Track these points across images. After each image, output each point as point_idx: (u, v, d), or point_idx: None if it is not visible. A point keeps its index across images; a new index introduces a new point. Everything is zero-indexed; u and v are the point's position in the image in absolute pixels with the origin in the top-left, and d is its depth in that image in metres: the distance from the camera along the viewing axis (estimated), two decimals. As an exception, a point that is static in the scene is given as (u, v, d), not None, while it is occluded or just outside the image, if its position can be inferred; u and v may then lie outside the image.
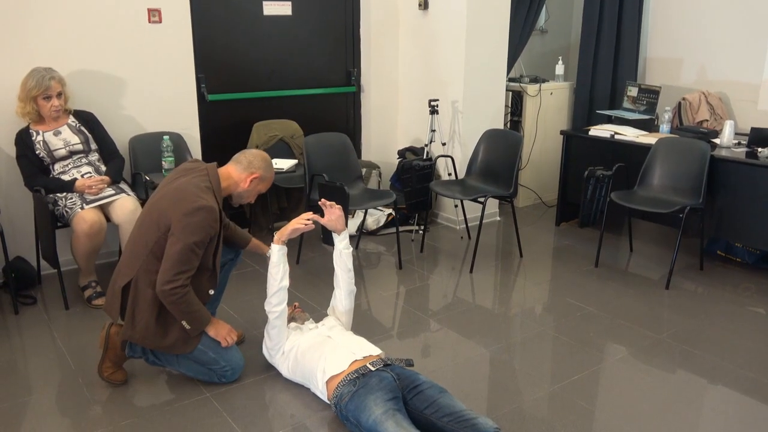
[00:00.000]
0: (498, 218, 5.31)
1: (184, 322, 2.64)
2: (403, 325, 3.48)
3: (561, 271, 4.23)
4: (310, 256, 4.41)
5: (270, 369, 2.93)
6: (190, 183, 2.64)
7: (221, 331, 2.78)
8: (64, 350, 3.15)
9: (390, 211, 4.93)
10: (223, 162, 2.88)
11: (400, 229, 4.56)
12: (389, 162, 5.37)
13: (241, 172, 2.80)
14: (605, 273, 4.20)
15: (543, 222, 5.28)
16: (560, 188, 5.08)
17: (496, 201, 5.22)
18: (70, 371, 2.96)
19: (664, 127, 4.67)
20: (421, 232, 4.83)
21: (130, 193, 3.73)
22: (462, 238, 4.89)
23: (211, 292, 2.76)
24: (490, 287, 4.00)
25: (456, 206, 4.99)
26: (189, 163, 2.84)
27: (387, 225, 4.91)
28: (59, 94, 3.60)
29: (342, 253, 2.95)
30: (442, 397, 2.37)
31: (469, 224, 4.92)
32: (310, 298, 3.72)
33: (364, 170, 4.82)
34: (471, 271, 4.21)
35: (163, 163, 4.00)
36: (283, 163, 4.33)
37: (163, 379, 2.89)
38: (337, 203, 2.97)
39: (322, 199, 2.96)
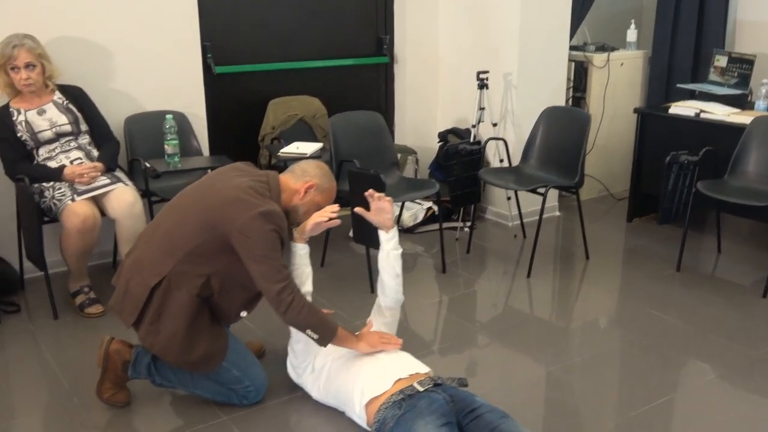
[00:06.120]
0: (557, 213, 5.30)
1: (309, 331, 2.69)
2: (446, 338, 3.50)
3: (635, 276, 4.22)
4: (337, 258, 4.44)
5: (296, 389, 2.96)
6: (252, 188, 2.68)
7: (375, 341, 2.80)
8: (54, 366, 3.21)
9: (430, 204, 4.94)
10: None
11: (443, 225, 4.57)
12: (428, 146, 5.38)
13: (296, 182, 2.84)
14: (689, 278, 4.18)
15: (611, 218, 5.27)
16: (633, 177, 5.05)
17: (556, 193, 5.21)
18: (63, 391, 3.01)
19: (761, 104, 4.63)
20: (467, 229, 4.83)
21: (128, 182, 3.77)
22: (516, 236, 4.89)
23: (243, 314, 2.84)
24: (549, 295, 4.00)
25: (509, 199, 4.99)
26: (243, 164, 2.89)
27: (426, 221, 4.92)
28: (29, 65, 3.57)
29: (390, 254, 2.96)
30: (505, 423, 2.38)
31: (524, 220, 4.92)
32: (338, 308, 3.74)
33: (398, 156, 4.84)
34: (528, 276, 4.21)
35: (166, 147, 4.01)
36: (306, 148, 4.35)
37: (170, 400, 2.94)
38: None
39: (370, 190, 2.96)
